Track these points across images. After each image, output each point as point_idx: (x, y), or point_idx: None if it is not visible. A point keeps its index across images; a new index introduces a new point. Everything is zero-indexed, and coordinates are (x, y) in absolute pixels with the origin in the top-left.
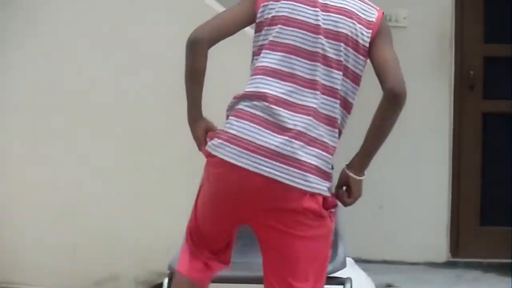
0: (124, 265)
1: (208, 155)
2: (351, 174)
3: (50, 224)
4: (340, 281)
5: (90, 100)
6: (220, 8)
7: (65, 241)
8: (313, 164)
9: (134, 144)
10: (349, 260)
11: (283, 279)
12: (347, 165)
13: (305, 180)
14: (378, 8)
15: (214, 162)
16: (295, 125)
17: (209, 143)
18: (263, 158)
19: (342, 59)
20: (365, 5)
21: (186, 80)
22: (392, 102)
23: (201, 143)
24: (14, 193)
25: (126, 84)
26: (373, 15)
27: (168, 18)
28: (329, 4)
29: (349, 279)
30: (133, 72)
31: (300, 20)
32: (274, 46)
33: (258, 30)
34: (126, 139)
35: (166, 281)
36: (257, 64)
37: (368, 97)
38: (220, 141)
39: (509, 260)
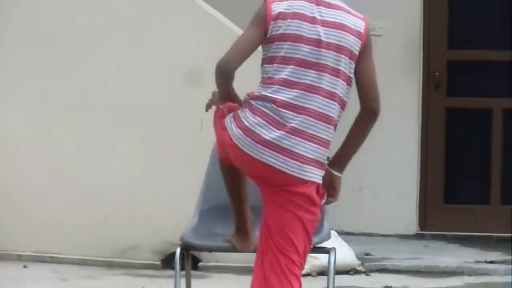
0: (143, 237)
1: (222, 127)
2: (335, 172)
3: (82, 203)
4: (326, 250)
5: (117, 98)
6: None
7: (94, 217)
8: (310, 157)
9: (152, 134)
10: (333, 233)
11: (279, 249)
12: (329, 164)
13: (302, 170)
14: (362, 16)
15: (231, 145)
16: (292, 122)
17: (230, 120)
18: (267, 149)
19: (341, 67)
20: (354, 17)
21: (221, 96)
22: (371, 119)
23: (208, 107)
24: (53, 176)
25: (147, 84)
26: (361, 26)
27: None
28: (327, 20)
29: (333, 248)
30: (152, 75)
31: (306, 37)
32: (286, 60)
33: (269, 42)
34: (146, 130)
35: (178, 250)
36: (272, 75)
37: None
38: (238, 129)
39: (468, 233)
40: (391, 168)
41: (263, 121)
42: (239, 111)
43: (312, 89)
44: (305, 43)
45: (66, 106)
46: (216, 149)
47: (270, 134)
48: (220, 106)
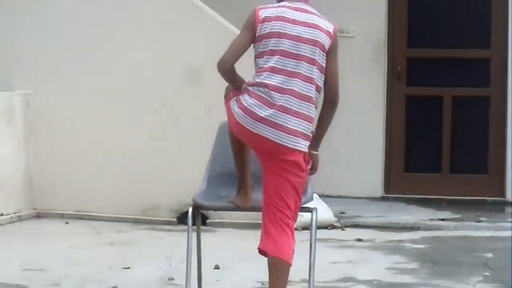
0: (162, 198)
1: (230, 108)
2: (312, 151)
3: (114, 172)
4: (309, 210)
5: (145, 91)
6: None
7: (123, 183)
8: (298, 130)
9: (170, 117)
10: (315, 196)
11: (275, 206)
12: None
13: (291, 141)
14: (331, 21)
15: (234, 121)
16: (280, 102)
17: (233, 102)
18: (262, 125)
19: (316, 57)
20: (325, 20)
21: (232, 86)
22: (332, 106)
23: (227, 96)
24: (90, 150)
25: (169, 80)
26: (331, 27)
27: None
28: (304, 21)
29: (315, 208)
30: (172, 73)
31: (287, 33)
32: (273, 52)
33: (258, 41)
34: (166, 114)
35: (190, 209)
36: (262, 65)
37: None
38: (239, 109)
39: (424, 196)
40: (362, 144)
41: (258, 102)
42: (240, 95)
43: (293, 74)
44: (287, 38)
45: (105, 98)
46: (224, 128)
47: (264, 112)
48: (231, 93)
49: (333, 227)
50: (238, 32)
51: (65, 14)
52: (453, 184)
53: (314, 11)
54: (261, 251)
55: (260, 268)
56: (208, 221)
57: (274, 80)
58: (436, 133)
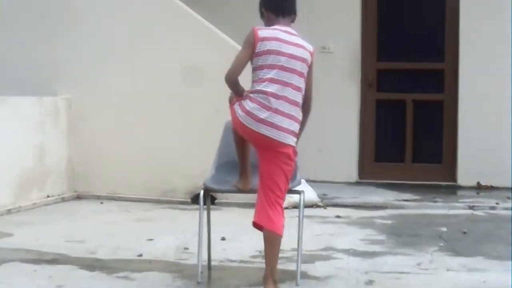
0: (179, 182)
1: (234, 111)
2: None
3: (140, 161)
4: (298, 192)
5: (164, 93)
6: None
7: (148, 170)
8: (289, 129)
9: (186, 116)
10: (302, 180)
11: (269, 188)
12: None
13: (284, 137)
14: (310, 43)
15: (239, 122)
16: (275, 105)
17: (236, 106)
18: (263, 125)
19: (304, 71)
20: (306, 42)
21: (234, 94)
22: (308, 111)
23: (231, 101)
24: (122, 143)
25: (182, 85)
26: (311, 48)
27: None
28: (294, 42)
29: (303, 191)
30: (179, 71)
31: (284, 52)
32: (273, 66)
33: (257, 56)
34: (182, 113)
35: (202, 192)
36: (262, 76)
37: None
38: (242, 112)
39: (390, 181)
40: (340, 138)
41: (258, 106)
42: (243, 101)
43: (287, 84)
44: (283, 55)
45: (130, 101)
46: (229, 126)
47: (263, 114)
48: (234, 99)
49: (317, 206)
50: (239, 47)
51: (98, 32)
52: (414, 171)
53: (297, 34)
54: (256, 224)
55: (258, 240)
56: (216, 201)
57: (272, 88)
58: (400, 130)
